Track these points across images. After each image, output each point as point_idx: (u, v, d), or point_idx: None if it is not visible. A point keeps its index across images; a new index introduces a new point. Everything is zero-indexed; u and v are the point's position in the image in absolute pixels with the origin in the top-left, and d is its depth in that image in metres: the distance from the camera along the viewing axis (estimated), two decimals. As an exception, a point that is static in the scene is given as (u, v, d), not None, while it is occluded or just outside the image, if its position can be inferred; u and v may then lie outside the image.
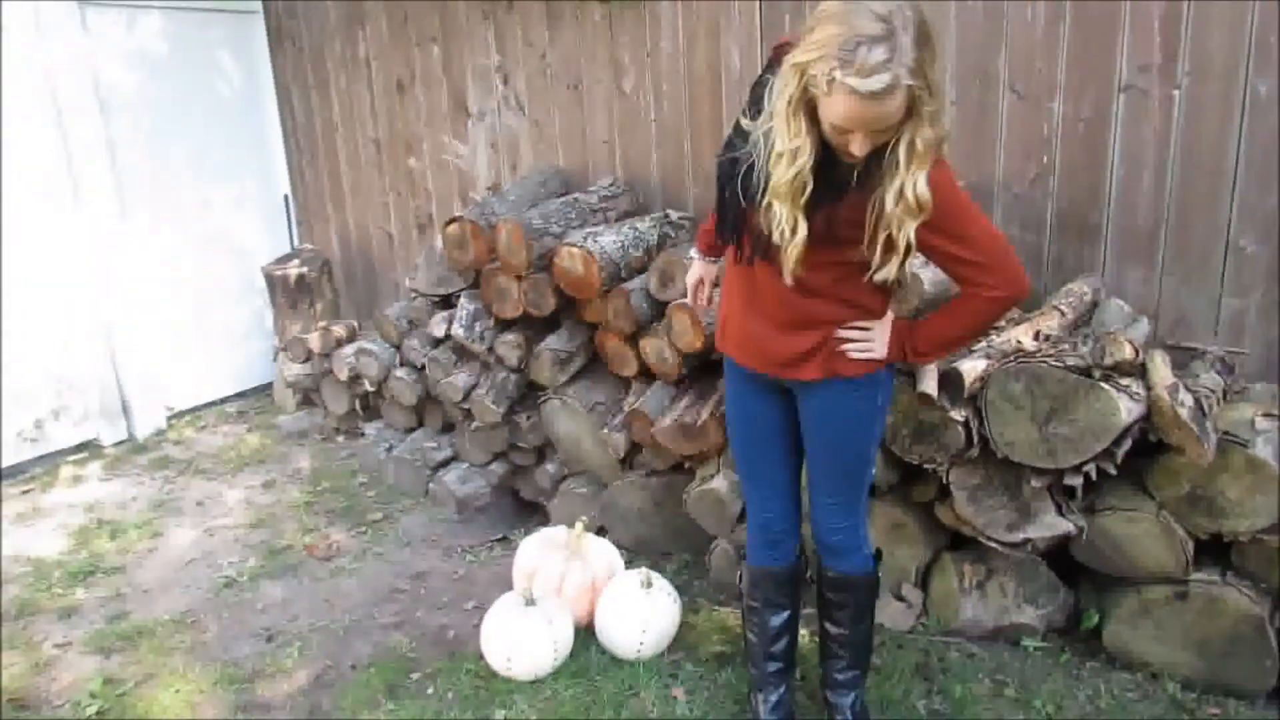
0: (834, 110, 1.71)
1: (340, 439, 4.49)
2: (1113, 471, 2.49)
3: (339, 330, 4.53)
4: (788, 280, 1.95)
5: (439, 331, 3.73)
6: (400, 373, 3.96)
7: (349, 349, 4.25)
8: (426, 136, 4.37)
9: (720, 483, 3.08)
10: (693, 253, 2.47)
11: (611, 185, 3.65)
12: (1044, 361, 2.50)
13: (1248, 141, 2.65)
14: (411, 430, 4.12)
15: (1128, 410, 2.40)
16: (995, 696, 2.57)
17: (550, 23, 3.77)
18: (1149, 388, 2.42)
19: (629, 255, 3.27)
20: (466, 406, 3.66)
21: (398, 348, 4.02)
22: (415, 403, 3.94)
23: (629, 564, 3.08)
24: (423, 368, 3.83)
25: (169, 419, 4.79)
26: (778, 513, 2.32)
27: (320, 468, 4.22)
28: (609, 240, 3.26)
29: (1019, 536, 2.63)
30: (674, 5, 3.46)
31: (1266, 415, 2.49)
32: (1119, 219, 2.88)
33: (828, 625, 2.40)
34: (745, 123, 1.92)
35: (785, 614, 2.40)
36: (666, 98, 3.57)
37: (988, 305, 1.98)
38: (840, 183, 1.85)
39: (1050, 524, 2.61)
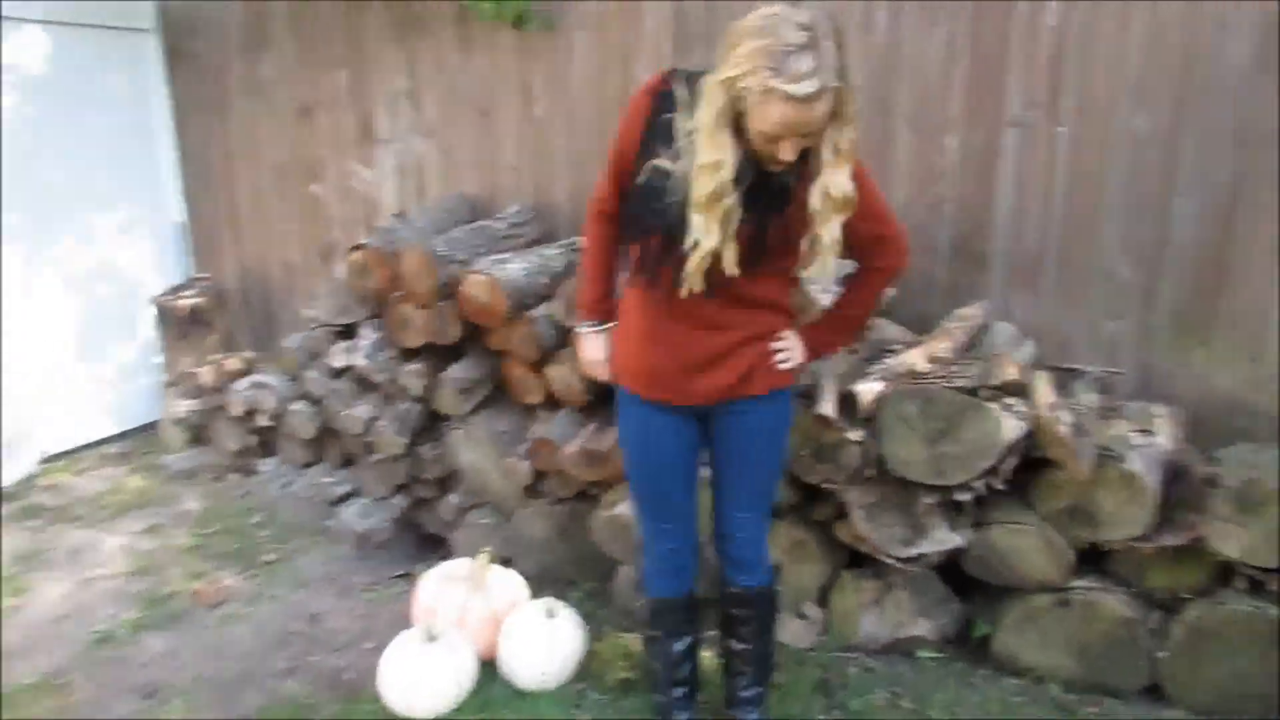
0: (768, 118, 1.78)
1: (232, 477, 4.32)
2: (1000, 487, 2.59)
3: (233, 363, 4.40)
4: (692, 294, 1.98)
5: (340, 362, 3.66)
6: (298, 405, 3.86)
7: (244, 382, 4.12)
8: (331, 162, 4.31)
9: (625, 509, 3.08)
10: (581, 327, 2.37)
11: (519, 212, 3.66)
12: (935, 383, 2.59)
13: (1125, 176, 2.82)
14: (309, 465, 4.01)
15: (1012, 428, 2.51)
16: (892, 708, 2.63)
17: (462, 47, 3.78)
18: (1033, 407, 2.53)
19: (535, 282, 3.28)
20: (368, 439, 3.60)
21: (296, 380, 3.93)
22: (314, 436, 3.85)
23: (534, 594, 3.05)
24: (322, 400, 3.75)
25: (41, 463, 4.45)
26: (683, 542, 2.34)
27: (210, 508, 4.04)
28: (515, 267, 3.26)
29: (913, 552, 2.71)
30: (586, 33, 3.52)
31: (1140, 431, 2.63)
32: (1007, 247, 3.03)
33: (732, 642, 2.42)
34: (662, 162, 1.94)
35: (689, 639, 2.42)
36: (577, 125, 3.62)
37: (881, 279, 2.21)
38: (777, 194, 1.94)
39: (941, 539, 2.69)
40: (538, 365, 3.25)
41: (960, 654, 2.84)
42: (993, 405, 2.52)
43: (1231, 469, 2.50)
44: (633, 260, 2.09)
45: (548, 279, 3.33)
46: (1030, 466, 2.61)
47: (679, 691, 2.42)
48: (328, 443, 3.91)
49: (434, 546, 3.67)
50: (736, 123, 1.83)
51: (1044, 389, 2.55)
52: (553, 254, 3.42)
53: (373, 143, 4.13)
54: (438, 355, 3.51)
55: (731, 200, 1.87)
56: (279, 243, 4.65)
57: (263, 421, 4.01)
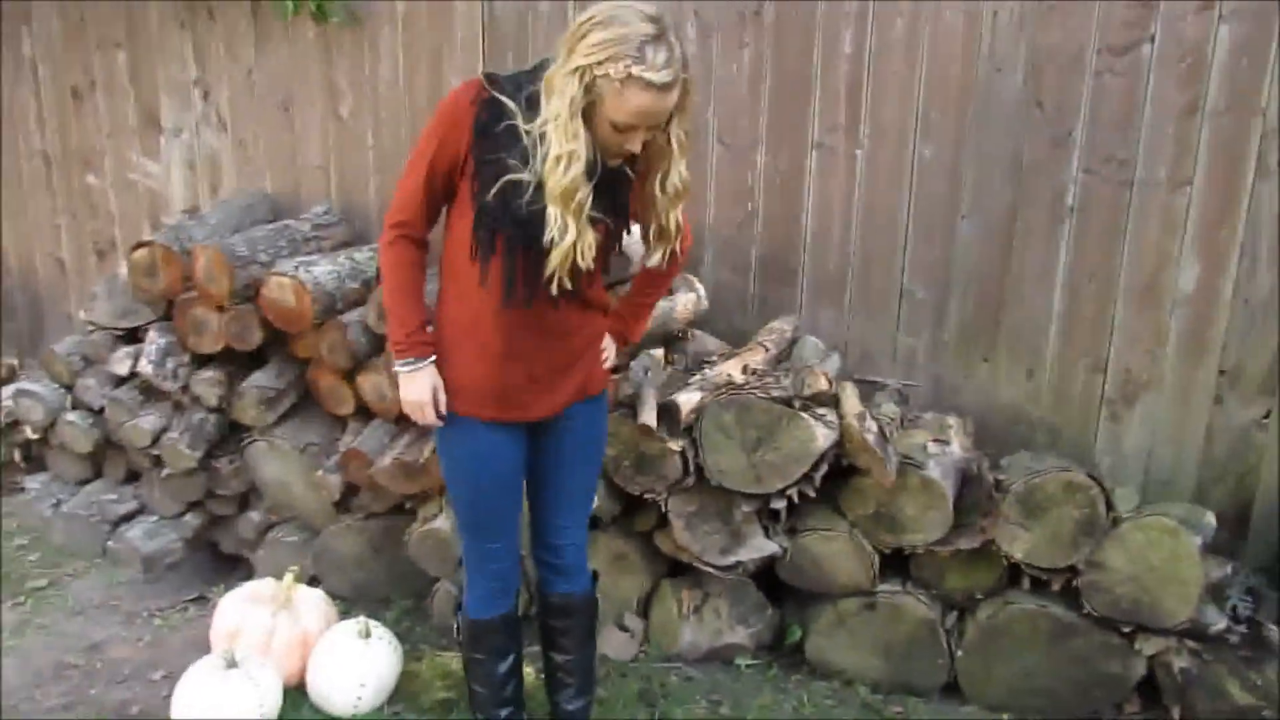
0: (625, 107, 1.78)
1: (-7, 495, 3.88)
2: (812, 494, 2.70)
3: (-6, 368, 3.95)
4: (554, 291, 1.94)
5: (123, 369, 3.35)
6: (72, 416, 3.49)
7: (5, 391, 3.69)
8: (109, 152, 3.94)
9: (443, 523, 2.99)
10: (401, 366, 2.08)
11: (326, 213, 3.48)
12: (752, 393, 2.67)
13: (916, 199, 3.00)
14: (86, 482, 3.64)
15: (824, 437, 2.62)
16: (712, 716, 2.68)
17: (258, 38, 3.55)
18: (841, 416, 2.65)
19: (345, 287, 3.13)
20: (156, 452, 3.31)
21: (69, 388, 3.55)
22: (91, 450, 3.50)
23: (346, 614, 2.90)
24: (101, 410, 3.41)
25: None
26: (512, 560, 2.28)
27: (-36, 530, 3.62)
28: (323, 270, 3.09)
29: (731, 560, 2.77)
30: (394, 32, 3.38)
31: (936, 440, 2.81)
32: (813, 264, 3.16)
33: (554, 655, 2.39)
34: (517, 170, 1.87)
35: (512, 657, 2.37)
36: (386, 125, 3.48)
37: (675, 269, 2.26)
38: (621, 187, 1.97)
39: (759, 546, 2.77)
40: (349, 374, 3.10)
41: (776, 660, 2.92)
42: (806, 414, 2.63)
43: (1016, 475, 2.71)
44: (489, 275, 1.96)
45: (359, 284, 3.19)
46: (838, 474, 2.73)
47: (505, 711, 2.36)
48: (108, 456, 3.57)
49: (232, 567, 3.44)
50: (585, 114, 1.82)
51: (851, 399, 2.68)
52: (363, 258, 3.27)
53: (158, 132, 3.81)
54: (235, 362, 3.28)
55: (585, 193, 1.85)
56: (48, 238, 4.20)
57: (29, 434, 3.61)
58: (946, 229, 3.00)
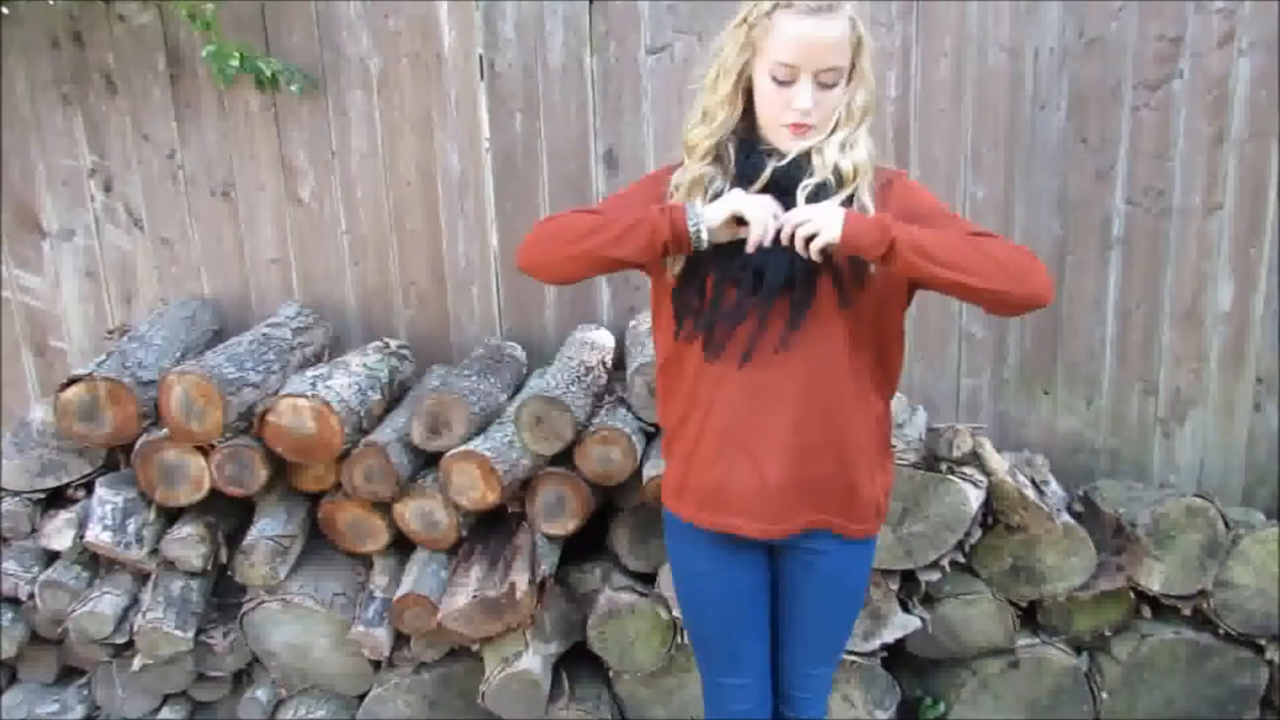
0: (780, 42, 1.60)
1: None
2: (962, 560, 2.56)
3: None
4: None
5: (63, 541, 2.60)
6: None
7: None
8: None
9: (531, 660, 2.56)
10: (691, 225, 1.62)
11: (300, 315, 2.90)
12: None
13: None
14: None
15: (975, 498, 2.49)
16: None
17: (181, 113, 2.90)
18: (990, 474, 2.53)
19: (368, 401, 2.60)
20: (118, 640, 2.59)
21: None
22: (15, 653, 2.68)
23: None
24: (32, 598, 2.62)
25: None
26: (759, 699, 1.94)
27: None
28: (342, 384, 2.55)
29: (875, 644, 2.58)
30: (368, 95, 2.88)
31: (1037, 482, 2.76)
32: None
33: None
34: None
35: None
36: (362, 206, 2.95)
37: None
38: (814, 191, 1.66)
39: (901, 623, 2.59)
40: (379, 503, 2.59)
41: (911, 737, 2.76)
42: (953, 477, 2.49)
43: (1114, 505, 2.72)
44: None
45: (379, 395, 2.67)
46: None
47: None
48: (26, 656, 2.75)
49: (235, 766, 2.76)
50: (743, 80, 1.66)
51: (994, 455, 2.57)
52: (374, 361, 2.75)
53: (39, 237, 3.02)
54: (212, 511, 2.65)
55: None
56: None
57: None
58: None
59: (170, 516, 2.64)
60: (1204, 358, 2.98)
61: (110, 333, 2.92)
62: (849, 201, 1.66)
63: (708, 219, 1.62)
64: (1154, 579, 2.60)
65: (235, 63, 2.70)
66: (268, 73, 2.75)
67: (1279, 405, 2.99)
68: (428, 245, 2.98)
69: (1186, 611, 2.66)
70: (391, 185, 2.94)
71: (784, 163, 1.66)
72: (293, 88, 2.79)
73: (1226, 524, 2.62)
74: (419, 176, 2.93)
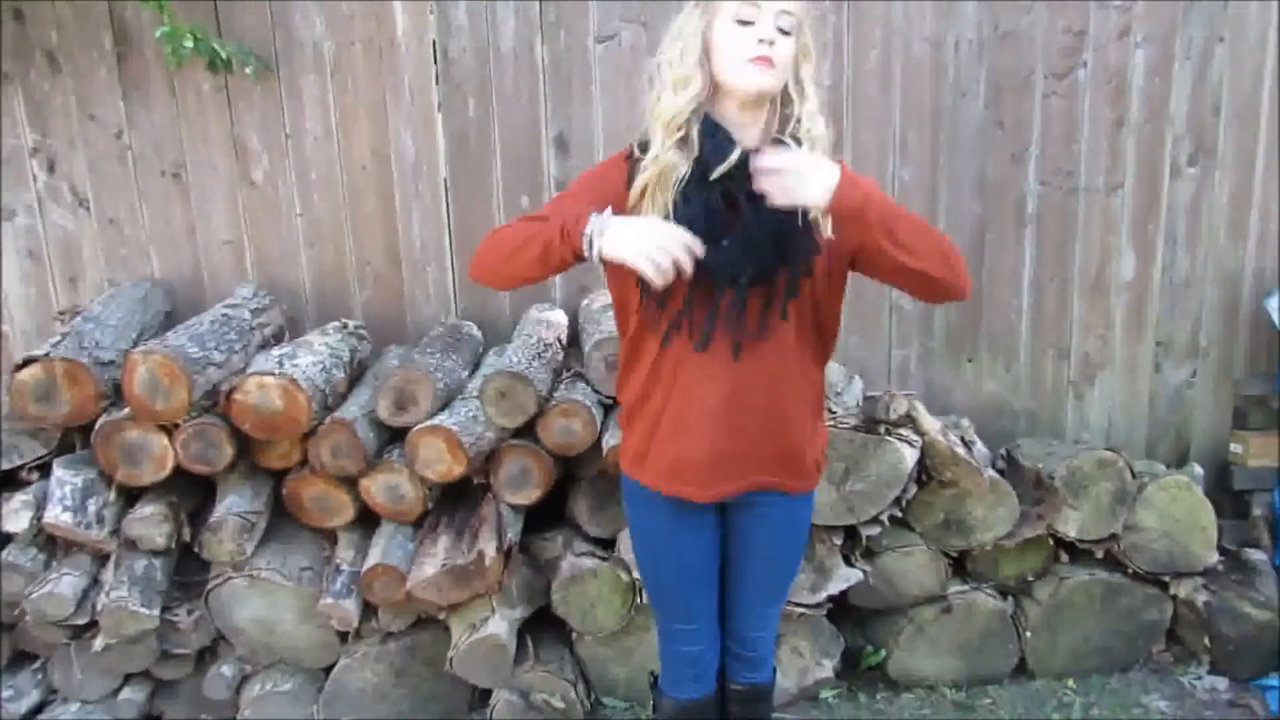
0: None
1: None
2: (900, 515, 2.76)
3: None
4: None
5: (19, 524, 2.58)
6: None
7: None
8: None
9: (498, 625, 2.66)
10: (593, 234, 1.62)
11: (256, 296, 2.91)
12: (831, 426, 2.66)
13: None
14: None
15: (911, 457, 2.68)
16: (841, 756, 2.65)
17: (129, 92, 2.89)
18: (923, 434, 2.72)
19: (333, 378, 2.65)
20: (79, 621, 2.59)
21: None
22: (-32, 637, 2.65)
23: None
24: (-12, 580, 2.60)
25: None
26: (709, 643, 2.08)
27: None
28: (307, 362, 2.60)
29: (821, 596, 2.75)
30: (321, 79, 2.92)
31: (965, 442, 2.98)
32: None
33: None
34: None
35: None
36: (316, 188, 2.98)
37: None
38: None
39: (844, 576, 2.77)
40: (349, 479, 2.64)
41: (854, 684, 2.94)
42: (891, 438, 2.67)
43: (1034, 461, 2.96)
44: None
45: (343, 373, 2.72)
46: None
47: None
48: (-18, 641, 2.72)
49: (200, 745, 2.78)
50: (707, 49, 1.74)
51: (927, 417, 2.76)
52: (335, 340, 2.79)
53: (-23, 217, 2.98)
54: (173, 490, 2.66)
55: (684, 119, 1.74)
56: None
57: None
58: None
59: (130, 496, 2.65)
60: (1110, 324, 3.25)
61: (61, 314, 2.89)
62: None
63: (604, 248, 1.62)
64: (1070, 526, 2.84)
65: (189, 44, 2.70)
66: (223, 55, 2.77)
67: (1176, 366, 3.30)
68: (383, 227, 3.03)
69: (1099, 555, 2.91)
70: (346, 168, 2.99)
71: (745, 150, 1.72)
72: (247, 70, 2.82)
73: (1133, 474, 2.88)
74: (373, 159, 2.98)
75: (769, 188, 1.63)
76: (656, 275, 1.59)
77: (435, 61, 2.94)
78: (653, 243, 1.59)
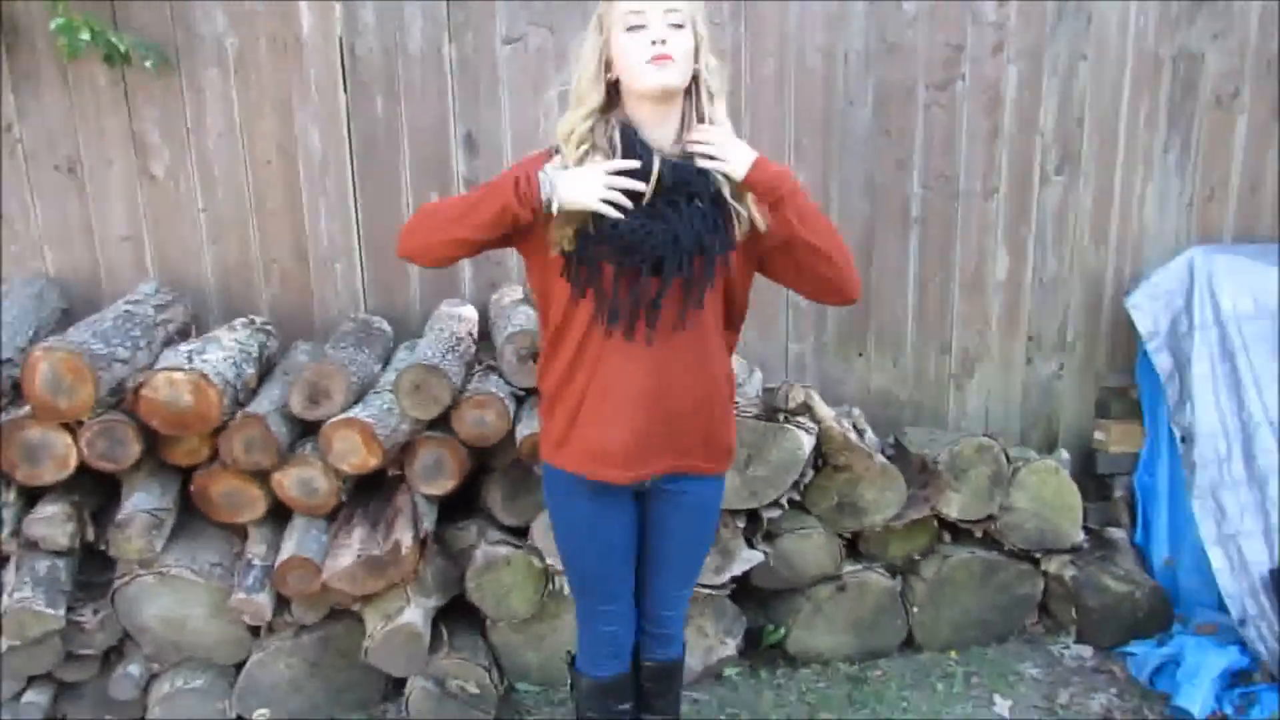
0: (625, 7, 1.78)
1: None
2: (798, 498, 2.92)
3: None
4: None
5: (-90, 526, 2.50)
6: None
7: None
8: None
9: (413, 614, 2.70)
10: (545, 188, 1.81)
11: (159, 293, 2.88)
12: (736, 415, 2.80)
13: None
14: None
15: (808, 443, 2.84)
16: (742, 730, 2.78)
17: (20, 85, 2.81)
18: (819, 421, 2.89)
19: (243, 374, 2.66)
20: (-21, 622, 2.53)
21: None
22: None
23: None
24: (-125, 586, 2.51)
25: None
26: (626, 623, 2.19)
27: None
28: (216, 358, 2.60)
29: (725, 577, 2.89)
30: (224, 75, 2.90)
31: (857, 430, 3.17)
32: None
33: (648, 716, 2.33)
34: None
35: (627, 715, 2.28)
36: (220, 184, 2.96)
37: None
38: (704, 192, 1.84)
39: (747, 558, 2.91)
40: (260, 473, 2.65)
41: (754, 661, 3.09)
42: (791, 426, 2.83)
43: (924, 447, 3.17)
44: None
45: (253, 369, 2.72)
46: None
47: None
48: None
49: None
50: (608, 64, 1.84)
51: (822, 405, 2.93)
52: (244, 336, 2.79)
53: None
54: (76, 490, 2.62)
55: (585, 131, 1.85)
56: None
57: None
58: (816, 245, 3.36)
59: (30, 497, 2.60)
60: (986, 320, 3.50)
61: (-51, 312, 2.80)
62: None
63: (562, 196, 1.79)
64: (953, 507, 3.06)
65: (86, 36, 2.66)
66: (121, 48, 2.73)
67: (1045, 360, 3.56)
68: (289, 224, 3.04)
69: (978, 534, 3.13)
70: (251, 164, 2.99)
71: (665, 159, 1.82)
72: (147, 64, 2.79)
73: (1008, 459, 3.11)
74: (279, 156, 2.99)
75: (699, 153, 1.80)
76: (615, 212, 1.77)
77: (342, 59, 2.96)
78: (602, 184, 1.78)
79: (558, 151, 1.92)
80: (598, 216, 1.81)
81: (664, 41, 1.78)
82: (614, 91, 1.87)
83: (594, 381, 1.94)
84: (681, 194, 1.84)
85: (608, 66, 1.85)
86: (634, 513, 2.10)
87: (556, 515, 2.14)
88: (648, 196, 1.81)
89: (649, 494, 2.07)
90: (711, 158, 1.82)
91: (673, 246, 1.82)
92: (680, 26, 1.81)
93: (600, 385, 1.94)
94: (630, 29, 1.80)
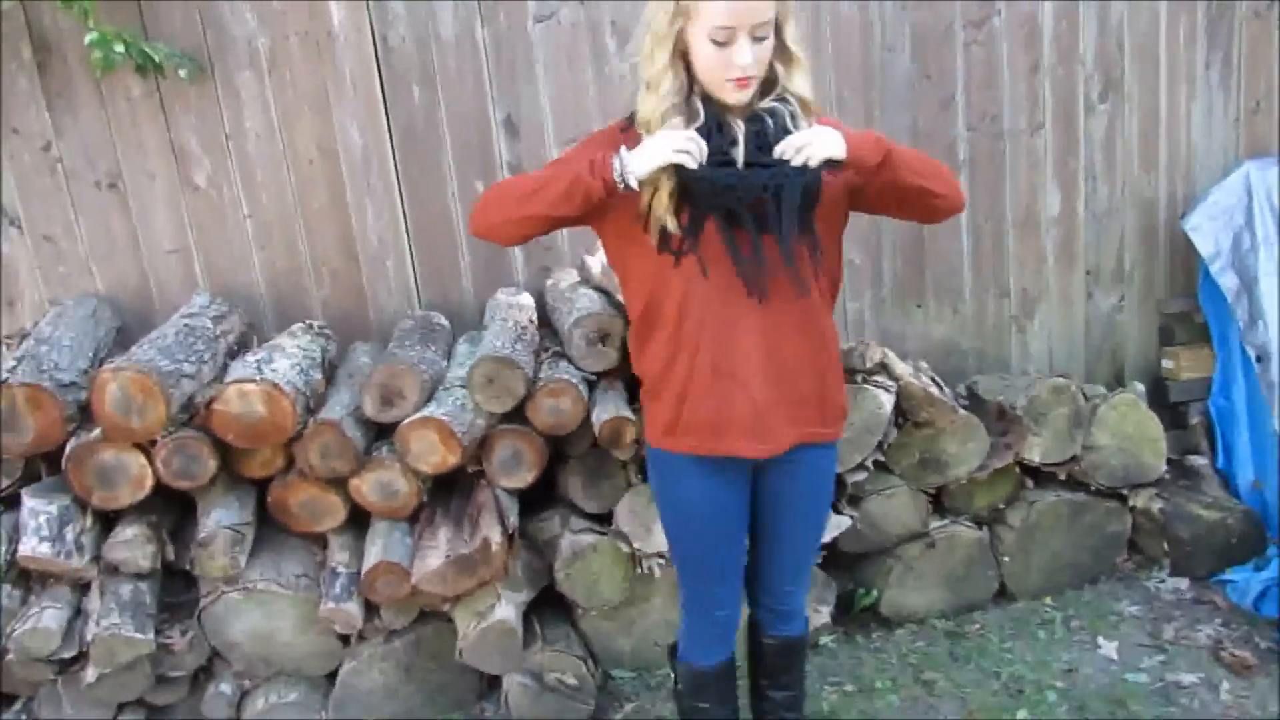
0: (713, 9, 1.69)
1: None
2: (880, 459, 2.86)
3: None
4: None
5: (-8, 561, 2.44)
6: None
7: None
8: None
9: (505, 610, 2.64)
10: (617, 171, 1.77)
11: (215, 304, 2.81)
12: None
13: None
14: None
15: (888, 402, 2.78)
16: (845, 697, 2.72)
17: (55, 103, 2.74)
18: (897, 379, 2.83)
19: (312, 380, 2.59)
20: (66, 655, 2.47)
21: None
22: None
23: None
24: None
25: None
26: (736, 605, 2.14)
27: None
28: (284, 366, 2.53)
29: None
30: (258, 76, 2.82)
31: (937, 384, 3.09)
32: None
33: (774, 694, 2.27)
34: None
35: (733, 705, 2.24)
36: (263, 188, 2.89)
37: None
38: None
39: (836, 524, 2.84)
40: (338, 480, 2.59)
41: (847, 628, 3.03)
42: (868, 385, 2.77)
43: (998, 394, 3.11)
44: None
45: (320, 374, 2.66)
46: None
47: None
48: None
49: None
50: (677, 49, 1.76)
51: (899, 363, 2.86)
52: (305, 341, 2.72)
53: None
54: (151, 510, 2.56)
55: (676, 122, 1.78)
56: None
57: None
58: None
59: (106, 521, 2.54)
60: (1042, 258, 3.44)
61: (8, 339, 2.73)
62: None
63: (634, 168, 1.75)
64: (1035, 452, 3.00)
65: (120, 49, 2.59)
66: (155, 59, 2.66)
67: (1105, 293, 3.50)
68: (336, 223, 2.97)
69: (1062, 476, 3.08)
70: (293, 165, 2.91)
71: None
72: (181, 73, 2.71)
73: (1085, 397, 3.06)
74: (320, 155, 2.92)
75: (795, 159, 1.72)
76: (692, 161, 1.71)
77: (375, 51, 2.89)
78: (672, 143, 1.72)
79: (630, 123, 1.87)
80: (681, 181, 1.76)
81: (749, 66, 1.72)
82: (688, 68, 1.80)
83: (700, 355, 1.88)
84: (768, 154, 1.78)
85: (683, 54, 1.78)
86: (748, 491, 2.04)
87: (667, 500, 2.07)
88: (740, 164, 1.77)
89: (765, 468, 2.00)
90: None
91: (773, 185, 1.75)
92: (764, 39, 1.74)
93: (708, 358, 1.88)
94: (716, 41, 1.72)
